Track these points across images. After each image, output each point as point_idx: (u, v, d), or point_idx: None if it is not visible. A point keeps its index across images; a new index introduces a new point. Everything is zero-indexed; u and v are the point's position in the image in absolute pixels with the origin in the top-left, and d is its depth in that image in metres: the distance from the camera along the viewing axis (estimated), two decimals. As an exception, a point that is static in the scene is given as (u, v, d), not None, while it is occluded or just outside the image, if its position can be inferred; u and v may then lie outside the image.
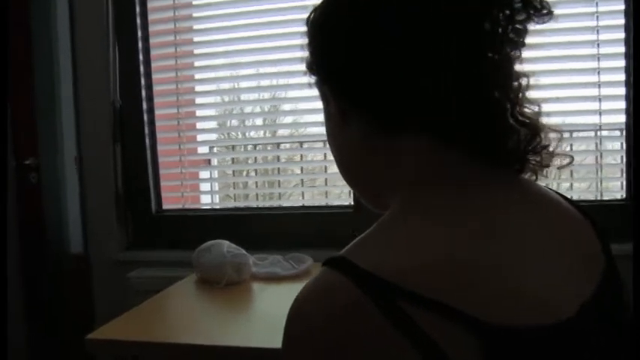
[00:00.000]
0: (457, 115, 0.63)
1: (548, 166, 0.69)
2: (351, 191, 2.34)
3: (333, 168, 2.66)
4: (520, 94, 0.65)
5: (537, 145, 0.66)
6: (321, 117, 2.15)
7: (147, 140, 2.27)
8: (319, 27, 0.71)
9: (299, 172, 2.52)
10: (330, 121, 0.75)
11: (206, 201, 2.55)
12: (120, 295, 2.19)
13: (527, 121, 0.66)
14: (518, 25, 0.63)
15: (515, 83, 0.65)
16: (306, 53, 0.75)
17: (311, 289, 0.60)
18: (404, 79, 0.63)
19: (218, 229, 2.22)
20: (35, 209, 2.27)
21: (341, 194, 2.73)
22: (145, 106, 2.26)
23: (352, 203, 2.16)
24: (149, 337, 1.37)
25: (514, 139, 0.65)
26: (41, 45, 2.20)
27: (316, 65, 0.73)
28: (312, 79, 0.76)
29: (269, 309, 1.59)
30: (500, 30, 0.63)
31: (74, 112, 2.24)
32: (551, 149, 0.67)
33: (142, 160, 2.27)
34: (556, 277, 0.61)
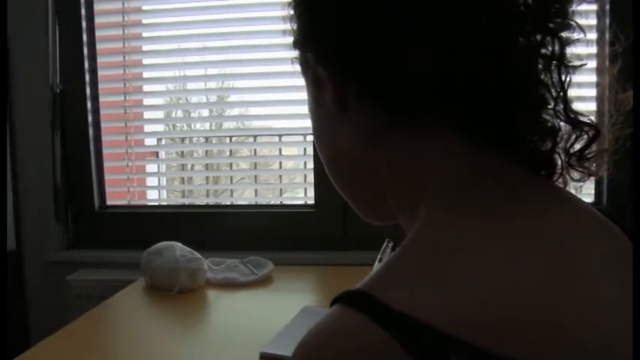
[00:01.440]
0: (495, 108, 0.50)
1: (597, 174, 0.57)
2: (308, 189, 2.22)
3: (288, 163, 2.55)
4: (565, 90, 0.53)
5: (587, 148, 0.54)
6: (274, 110, 1.97)
7: (90, 130, 2.06)
8: None
9: (251, 167, 2.38)
10: (320, 111, 0.60)
11: (153, 197, 2.37)
12: (58, 299, 2.00)
13: (586, 120, 0.53)
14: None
15: (557, 77, 0.52)
16: (289, 25, 0.59)
17: (323, 335, 0.45)
18: (431, 56, 0.49)
19: (167, 227, 2.05)
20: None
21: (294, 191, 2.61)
22: (88, 91, 2.05)
23: (313, 202, 2.03)
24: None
25: (555, 140, 0.53)
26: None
27: (308, 38, 0.58)
28: (296, 59, 0.61)
29: (226, 320, 1.45)
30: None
31: (7, 95, 2.01)
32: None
33: (85, 151, 2.06)
34: (625, 321, 0.48)
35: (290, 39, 0.61)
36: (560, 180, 0.56)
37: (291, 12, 0.59)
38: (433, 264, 0.46)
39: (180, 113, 2.71)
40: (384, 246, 1.35)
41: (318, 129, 0.62)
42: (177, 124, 3.14)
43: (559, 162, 0.55)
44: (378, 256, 1.34)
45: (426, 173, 0.53)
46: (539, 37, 0.50)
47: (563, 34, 0.51)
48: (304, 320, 1.34)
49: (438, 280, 0.44)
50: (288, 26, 0.60)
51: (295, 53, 0.62)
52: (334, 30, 0.54)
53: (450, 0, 0.49)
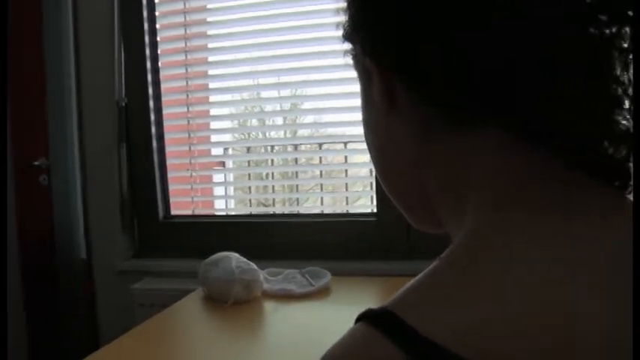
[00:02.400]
0: (559, 108, 0.44)
1: None
2: (374, 197, 2.17)
3: (360, 171, 2.51)
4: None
5: None
6: (342, 117, 1.90)
7: (154, 142, 2.10)
8: None
9: (317, 175, 2.36)
10: (370, 109, 0.55)
11: (220, 206, 2.39)
12: (123, 306, 2.04)
13: None
14: None
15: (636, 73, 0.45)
16: (342, 16, 0.55)
17: (342, 349, 0.42)
18: (486, 46, 0.44)
19: (230, 237, 2.06)
20: (46, 212, 2.14)
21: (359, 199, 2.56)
22: (151, 104, 2.09)
23: (375, 210, 1.98)
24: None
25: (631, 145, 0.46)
26: (50, 41, 2.07)
27: (356, 27, 0.53)
28: (349, 53, 0.56)
29: (282, 333, 1.42)
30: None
31: (77, 111, 2.08)
32: None
33: (149, 163, 2.11)
34: None
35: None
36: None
37: (344, 3, 0.55)
38: (465, 285, 0.41)
39: (253, 122, 2.73)
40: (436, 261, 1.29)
41: (368, 127, 0.58)
42: (251, 133, 3.16)
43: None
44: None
45: (473, 176, 0.48)
46: (614, 28, 0.44)
47: None
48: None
49: (467, 304, 0.40)
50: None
51: (347, 46, 0.58)
52: (381, 16, 0.49)
53: None
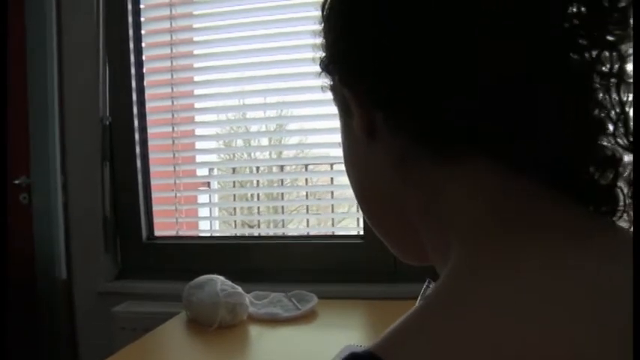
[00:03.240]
0: (542, 135, 0.43)
1: None
2: (360, 219, 2.15)
3: (339, 192, 2.50)
4: (626, 112, 0.44)
5: None
6: (329, 137, 1.88)
7: (138, 161, 2.07)
8: (341, 4, 0.50)
9: (303, 196, 2.33)
10: (349, 140, 0.54)
11: (205, 227, 2.36)
12: (104, 330, 1.99)
13: None
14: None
15: (617, 97, 0.44)
16: (319, 47, 0.54)
17: None
18: (462, 77, 0.43)
19: (215, 259, 2.03)
20: (26, 231, 2.09)
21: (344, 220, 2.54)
22: (136, 123, 2.06)
23: (362, 232, 1.96)
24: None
25: (617, 170, 0.44)
26: (34, 58, 2.04)
27: (333, 58, 0.52)
28: (327, 83, 0.55)
29: (268, 358, 1.39)
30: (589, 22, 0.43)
31: (59, 129, 2.04)
32: None
33: (133, 182, 2.07)
34: None
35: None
36: (625, 216, 0.46)
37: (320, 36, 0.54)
38: (452, 331, 0.38)
39: (238, 142, 2.71)
40: (424, 287, 1.27)
41: (347, 157, 0.56)
42: (236, 154, 3.14)
43: (621, 197, 0.45)
44: (419, 298, 1.25)
45: (456, 209, 0.46)
46: (594, 52, 0.43)
47: (623, 47, 0.43)
48: (344, 361, 1.27)
49: (454, 351, 0.37)
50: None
51: (326, 80, 0.57)
52: (358, 47, 0.48)
53: (484, 11, 0.42)
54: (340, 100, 0.53)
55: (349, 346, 1.36)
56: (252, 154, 3.06)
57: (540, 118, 0.43)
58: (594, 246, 0.42)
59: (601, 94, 0.43)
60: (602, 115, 0.44)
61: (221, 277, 1.64)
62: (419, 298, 1.26)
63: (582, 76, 0.43)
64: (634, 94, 0.43)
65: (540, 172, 0.44)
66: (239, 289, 1.60)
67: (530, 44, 0.42)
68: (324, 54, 0.54)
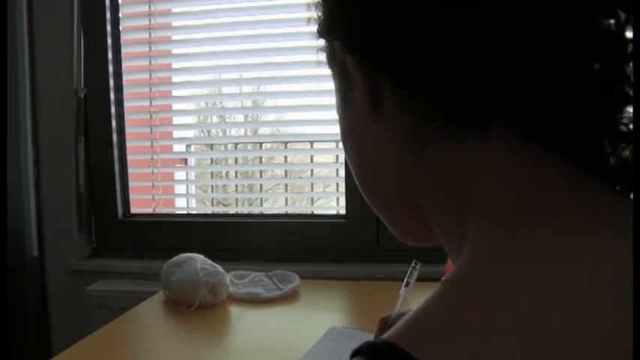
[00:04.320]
0: (567, 107, 0.39)
1: None
2: (340, 198, 2.12)
3: (321, 172, 2.46)
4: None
5: None
6: (306, 115, 1.84)
7: (114, 135, 2.00)
8: None
9: (282, 175, 2.28)
10: (348, 111, 0.50)
11: (181, 205, 2.30)
12: (78, 308, 1.94)
13: None
14: None
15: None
16: (313, 11, 0.50)
17: None
18: (487, 40, 0.39)
19: (193, 237, 1.98)
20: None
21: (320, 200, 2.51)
22: (112, 96, 1.99)
23: (344, 212, 1.93)
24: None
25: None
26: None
27: (335, 22, 0.47)
28: (323, 51, 0.52)
29: (249, 338, 1.35)
30: None
31: (30, 100, 1.96)
32: None
33: (108, 158, 2.00)
34: None
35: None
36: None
37: None
38: (479, 316, 0.35)
39: (214, 119, 2.64)
40: (410, 268, 1.24)
41: (346, 131, 0.53)
42: (212, 130, 3.07)
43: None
44: (405, 280, 1.23)
45: (474, 187, 0.42)
46: (623, 15, 0.39)
47: None
48: (330, 343, 1.24)
49: (483, 339, 0.34)
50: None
51: (320, 43, 0.52)
52: (368, 9, 0.44)
53: None
54: (340, 70, 0.50)
55: (334, 327, 1.33)
56: (228, 131, 3.01)
57: (564, 94, 0.39)
58: (623, 230, 0.38)
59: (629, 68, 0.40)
60: (627, 88, 0.40)
61: (201, 256, 1.59)
62: (405, 279, 1.24)
63: (611, 41, 0.40)
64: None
65: (563, 150, 0.41)
66: (219, 268, 1.56)
67: (559, 13, 0.38)
68: (322, 16, 0.50)
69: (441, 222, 0.46)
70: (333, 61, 0.51)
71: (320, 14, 0.51)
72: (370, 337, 1.14)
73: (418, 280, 1.24)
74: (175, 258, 1.60)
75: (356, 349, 0.36)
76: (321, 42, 0.53)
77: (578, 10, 0.39)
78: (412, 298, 1.20)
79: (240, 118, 2.65)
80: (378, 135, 0.48)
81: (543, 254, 0.37)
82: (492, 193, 0.41)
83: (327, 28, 0.50)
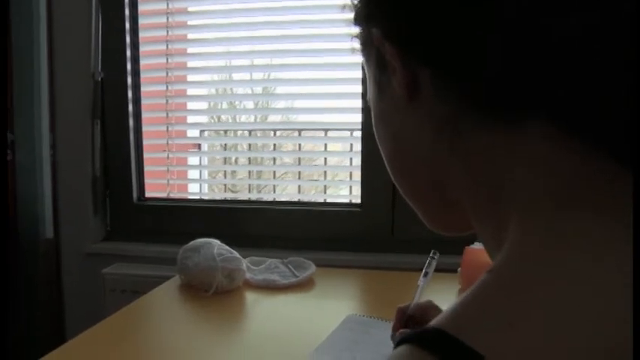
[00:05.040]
0: (614, 97, 0.38)
1: None
2: (353, 187, 2.12)
3: (333, 160, 2.46)
4: None
5: None
6: (320, 103, 1.83)
7: (130, 120, 2.00)
8: None
9: (294, 162, 2.29)
10: (383, 99, 0.50)
11: (194, 190, 2.30)
12: (93, 291, 1.95)
13: None
14: None
15: None
16: None
17: None
18: (533, 24, 0.39)
19: (207, 222, 1.98)
20: (8, 189, 2.00)
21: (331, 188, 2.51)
22: (129, 80, 1.99)
23: (359, 201, 1.92)
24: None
25: None
26: (18, 8, 1.93)
27: (375, 8, 0.47)
28: (357, 37, 0.51)
29: (264, 325, 1.36)
30: None
31: (48, 84, 1.96)
32: None
33: (124, 142, 2.01)
34: None
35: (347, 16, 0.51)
36: None
37: None
38: (526, 306, 0.35)
39: (224, 105, 2.64)
40: (429, 258, 1.24)
41: (379, 120, 0.52)
42: (222, 116, 3.07)
43: None
44: (423, 270, 1.22)
45: (512, 177, 0.41)
46: None
47: None
48: (348, 331, 1.24)
49: (530, 328, 0.33)
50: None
51: (355, 30, 0.52)
52: None
53: None
54: (376, 58, 0.49)
55: (351, 315, 1.34)
56: (241, 118, 3.01)
57: (602, 85, 0.39)
58: None
59: None
60: None
61: (217, 241, 1.60)
62: (423, 269, 1.24)
63: None
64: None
65: (600, 143, 0.40)
66: (236, 253, 1.56)
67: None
68: (359, 5, 0.50)
69: (478, 211, 0.46)
70: (369, 48, 0.51)
71: (356, 1, 0.51)
72: (388, 326, 1.14)
73: (434, 270, 1.24)
74: (192, 243, 1.60)
75: (403, 338, 0.36)
76: (354, 29, 0.52)
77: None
78: (430, 289, 1.20)
79: (251, 105, 2.65)
80: (413, 123, 0.47)
81: (584, 247, 0.36)
82: (531, 184, 0.41)
83: (366, 15, 0.49)
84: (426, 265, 1.24)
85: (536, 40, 0.39)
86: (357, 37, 0.53)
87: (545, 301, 0.34)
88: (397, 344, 0.37)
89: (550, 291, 0.35)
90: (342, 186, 2.58)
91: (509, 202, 0.42)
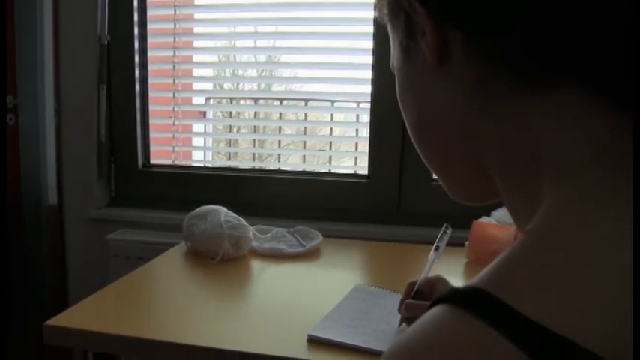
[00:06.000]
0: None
1: None
2: (359, 158, 2.11)
3: (337, 131, 2.44)
4: None
5: None
6: (327, 73, 1.82)
7: (137, 85, 1.98)
8: None
9: (299, 132, 2.26)
10: (409, 64, 0.48)
11: (198, 157, 2.29)
12: (96, 257, 1.95)
13: None
14: None
15: None
16: None
17: (432, 347, 0.34)
18: None
19: (212, 190, 1.98)
20: (11, 152, 1.99)
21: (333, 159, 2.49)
22: (136, 45, 1.96)
23: (366, 173, 1.91)
24: (128, 330, 1.10)
25: None
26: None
27: None
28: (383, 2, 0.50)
29: (271, 293, 1.36)
30: None
31: (53, 46, 1.93)
32: None
33: (130, 107, 1.99)
34: None
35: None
36: None
37: None
38: (567, 267, 0.34)
39: (229, 72, 2.60)
40: (441, 232, 1.23)
41: (405, 85, 0.51)
42: (226, 84, 3.04)
43: None
44: (435, 244, 1.21)
45: (546, 140, 0.41)
46: None
47: None
48: (355, 300, 1.24)
49: (571, 288, 0.33)
50: None
51: None
52: None
53: None
54: (404, 20, 0.47)
55: (359, 285, 1.34)
56: (245, 86, 2.98)
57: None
58: None
59: None
60: None
61: (224, 209, 1.59)
62: (435, 243, 1.23)
63: None
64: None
65: (632, 110, 0.39)
66: (243, 221, 1.56)
67: None
68: None
69: (509, 177, 0.45)
70: (397, 11, 0.49)
71: None
72: (397, 297, 1.14)
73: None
74: (198, 210, 1.59)
75: (440, 297, 0.36)
76: None
77: None
78: (437, 262, 1.20)
79: (254, 72, 2.62)
80: (442, 89, 0.46)
81: (622, 206, 0.36)
82: (566, 147, 0.40)
83: None
84: (438, 238, 1.23)
85: (569, 6, 0.38)
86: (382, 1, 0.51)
87: (582, 264, 0.34)
88: (434, 302, 0.36)
89: (587, 254, 0.34)
90: (347, 157, 2.56)
91: (542, 166, 0.41)
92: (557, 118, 0.40)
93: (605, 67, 0.39)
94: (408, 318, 1.08)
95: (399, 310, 1.09)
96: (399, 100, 0.53)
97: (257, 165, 2.47)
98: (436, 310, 0.35)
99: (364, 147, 1.91)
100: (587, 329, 0.31)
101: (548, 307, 0.32)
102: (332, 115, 2.28)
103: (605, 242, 0.34)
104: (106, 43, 1.92)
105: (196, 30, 2.13)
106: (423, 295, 1.10)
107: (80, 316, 1.17)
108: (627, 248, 0.33)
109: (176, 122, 2.04)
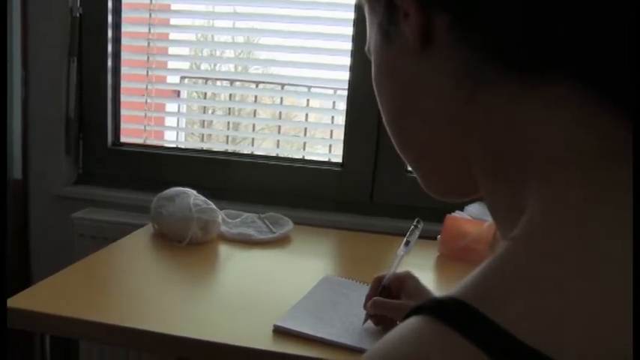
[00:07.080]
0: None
1: None
2: (333, 146, 2.08)
3: (313, 117, 2.42)
4: None
5: None
6: (303, 57, 1.79)
7: (109, 60, 1.92)
8: None
9: (274, 117, 2.23)
10: (388, 48, 0.46)
11: (170, 138, 2.24)
12: (61, 235, 1.90)
13: None
14: None
15: None
16: None
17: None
18: None
19: (183, 172, 1.93)
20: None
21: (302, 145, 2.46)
22: (110, 19, 1.90)
23: (340, 161, 1.89)
24: (88, 314, 1.06)
25: None
26: None
27: None
28: None
29: (237, 279, 1.33)
30: None
31: (21, 17, 1.86)
32: None
33: (102, 82, 1.93)
34: None
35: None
36: None
37: None
38: (556, 273, 0.31)
39: (205, 52, 2.55)
40: (412, 227, 1.21)
41: (384, 70, 0.48)
42: (203, 65, 2.98)
43: None
44: (405, 239, 1.19)
45: (535, 132, 0.38)
46: None
47: None
48: (324, 292, 1.22)
49: (561, 298, 0.30)
50: None
51: None
52: None
53: None
54: (386, 3, 0.45)
55: (328, 276, 1.31)
56: (222, 67, 2.93)
57: (631, 44, 0.35)
58: None
59: None
60: None
61: (194, 192, 1.55)
62: (405, 238, 1.21)
63: None
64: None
65: (625, 104, 0.37)
66: (212, 205, 1.52)
67: None
68: None
69: (492, 170, 0.42)
70: None
71: None
72: (365, 289, 1.12)
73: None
74: (167, 191, 1.55)
75: (418, 306, 0.33)
76: None
77: None
78: (408, 255, 1.18)
79: (231, 54, 2.57)
80: (423, 74, 0.43)
81: (617, 205, 0.33)
82: (555, 140, 0.37)
83: None
84: (408, 233, 1.21)
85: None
86: None
87: (574, 271, 0.31)
88: (411, 312, 0.33)
89: (583, 259, 0.32)
90: (322, 144, 2.53)
91: (529, 160, 0.38)
92: (543, 110, 0.38)
93: (600, 60, 0.36)
94: (374, 315, 1.06)
95: (365, 307, 1.07)
96: (374, 85, 0.50)
97: (230, 148, 2.43)
98: (416, 322, 0.32)
99: (339, 135, 1.89)
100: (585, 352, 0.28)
101: (541, 325, 0.29)
102: (308, 100, 2.24)
103: (599, 252, 0.32)
104: (78, 15, 1.86)
105: (174, 7, 2.08)
106: (391, 291, 1.07)
107: (41, 296, 1.13)
108: (622, 257, 0.31)
109: (149, 100, 1.99)
